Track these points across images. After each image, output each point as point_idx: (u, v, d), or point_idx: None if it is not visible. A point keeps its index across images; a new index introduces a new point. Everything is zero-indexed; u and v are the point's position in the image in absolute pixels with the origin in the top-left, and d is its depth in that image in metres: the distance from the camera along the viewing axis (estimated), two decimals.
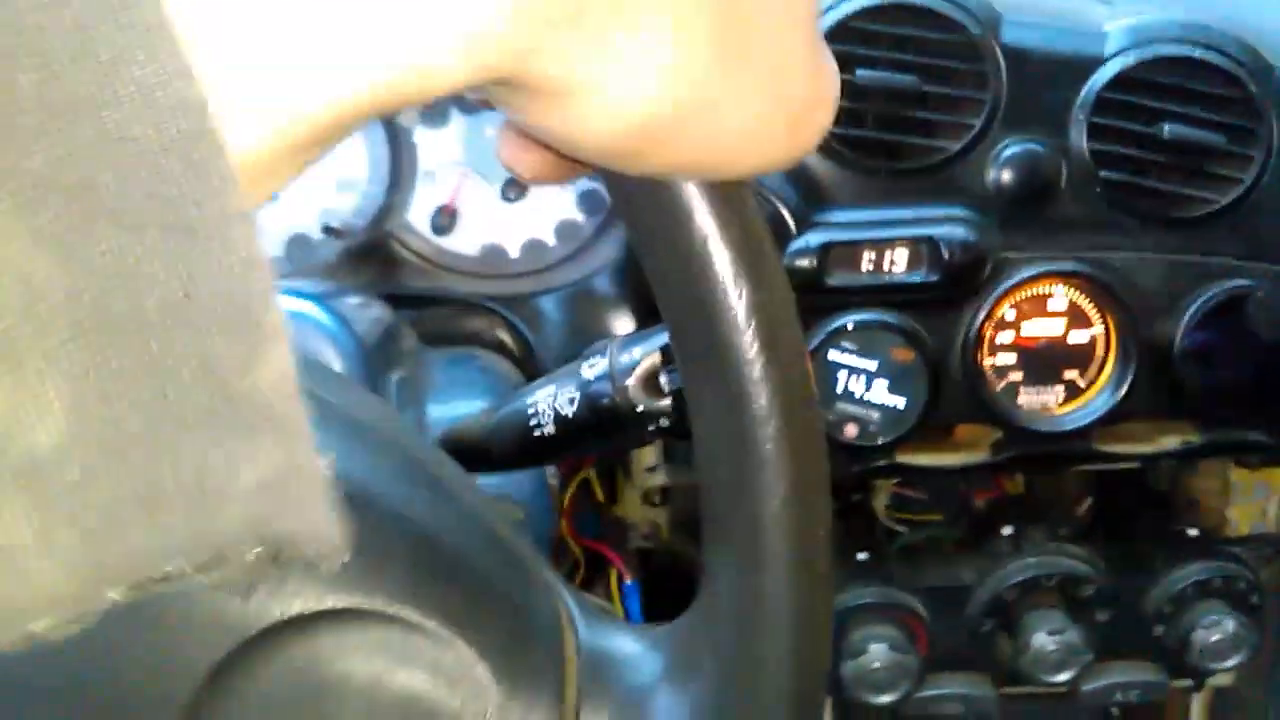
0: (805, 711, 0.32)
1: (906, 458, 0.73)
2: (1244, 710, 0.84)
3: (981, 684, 0.77)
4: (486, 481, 0.61)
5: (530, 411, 0.55)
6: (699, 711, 0.33)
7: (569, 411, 0.54)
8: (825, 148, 0.69)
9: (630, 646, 0.36)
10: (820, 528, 0.32)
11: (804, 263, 0.68)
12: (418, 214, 0.77)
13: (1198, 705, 0.84)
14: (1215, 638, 0.73)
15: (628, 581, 0.81)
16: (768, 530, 0.31)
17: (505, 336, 0.73)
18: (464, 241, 0.77)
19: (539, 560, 0.38)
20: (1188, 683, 0.81)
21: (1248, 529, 0.79)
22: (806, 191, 0.69)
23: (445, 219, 0.76)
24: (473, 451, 0.57)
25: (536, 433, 0.54)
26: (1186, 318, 0.68)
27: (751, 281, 0.30)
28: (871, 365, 0.69)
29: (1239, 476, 0.79)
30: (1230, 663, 0.73)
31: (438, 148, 0.77)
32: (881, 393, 0.70)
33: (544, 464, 0.69)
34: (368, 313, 0.67)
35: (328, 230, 0.75)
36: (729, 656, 0.32)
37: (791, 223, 0.68)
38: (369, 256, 0.76)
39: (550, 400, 0.54)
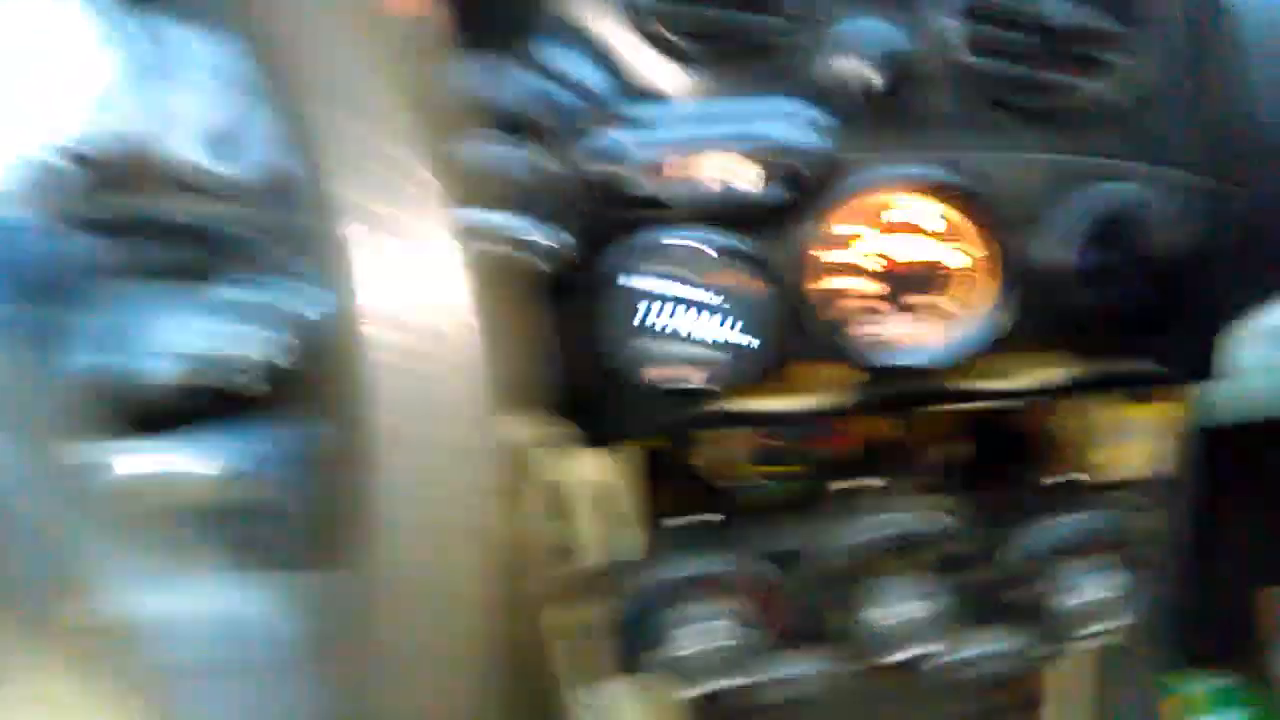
0: None
1: (739, 403, 0.61)
2: (1120, 672, 0.76)
3: (823, 662, 0.67)
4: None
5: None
6: None
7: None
8: (637, 26, 0.56)
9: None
10: None
11: (609, 168, 0.55)
12: (182, 132, 0.61)
13: (1069, 670, 0.75)
14: (1091, 597, 0.64)
15: None
16: None
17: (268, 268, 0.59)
18: (241, 164, 0.61)
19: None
20: (1057, 648, 0.73)
21: (1129, 471, 0.70)
22: (612, 80, 0.56)
23: (217, 138, 0.61)
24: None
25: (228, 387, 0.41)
26: (1065, 230, 0.58)
27: None
28: (695, 295, 0.57)
29: (1111, 414, 0.69)
30: (1109, 625, 0.65)
31: (205, 50, 0.61)
32: (708, 328, 0.57)
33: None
34: (50, 243, 0.52)
35: (69, 155, 0.59)
36: None
37: (594, 118, 0.55)
38: (116, 181, 0.61)
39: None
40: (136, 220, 0.59)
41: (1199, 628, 0.79)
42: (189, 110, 0.61)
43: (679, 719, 0.72)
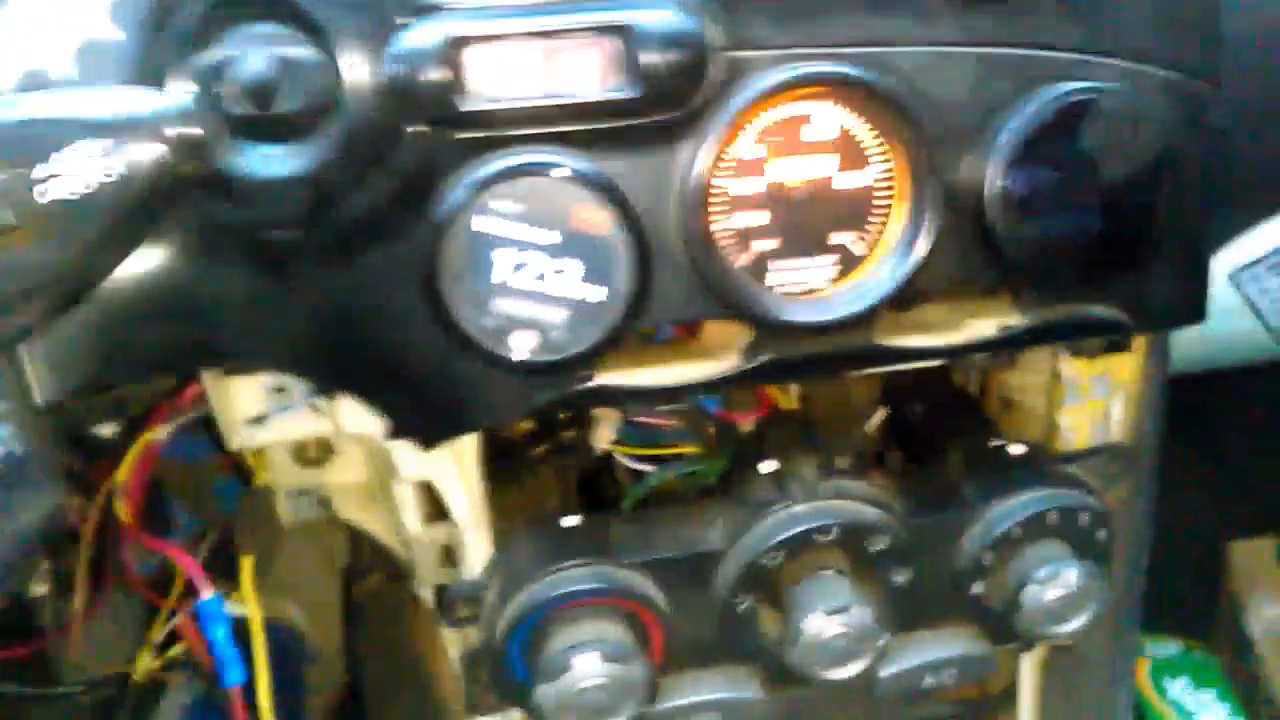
0: None
1: (617, 376, 0.49)
2: (1083, 667, 0.65)
3: (743, 682, 0.55)
4: None
5: None
6: None
7: None
8: None
9: None
10: None
11: (423, 72, 0.41)
12: None
13: (1028, 667, 0.65)
14: (1053, 593, 0.53)
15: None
16: None
17: None
18: None
19: None
20: (1014, 647, 0.62)
21: (1086, 440, 0.59)
22: None
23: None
24: None
25: None
26: (1005, 141, 0.46)
27: None
28: (546, 238, 0.44)
29: (1072, 369, 0.58)
30: (1075, 624, 0.54)
31: None
32: (566, 281, 0.45)
33: None
34: None
35: None
36: None
37: (397, 6, 0.42)
38: None
39: None
40: None
41: (1161, 589, 0.69)
42: None
43: None
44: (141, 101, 0.38)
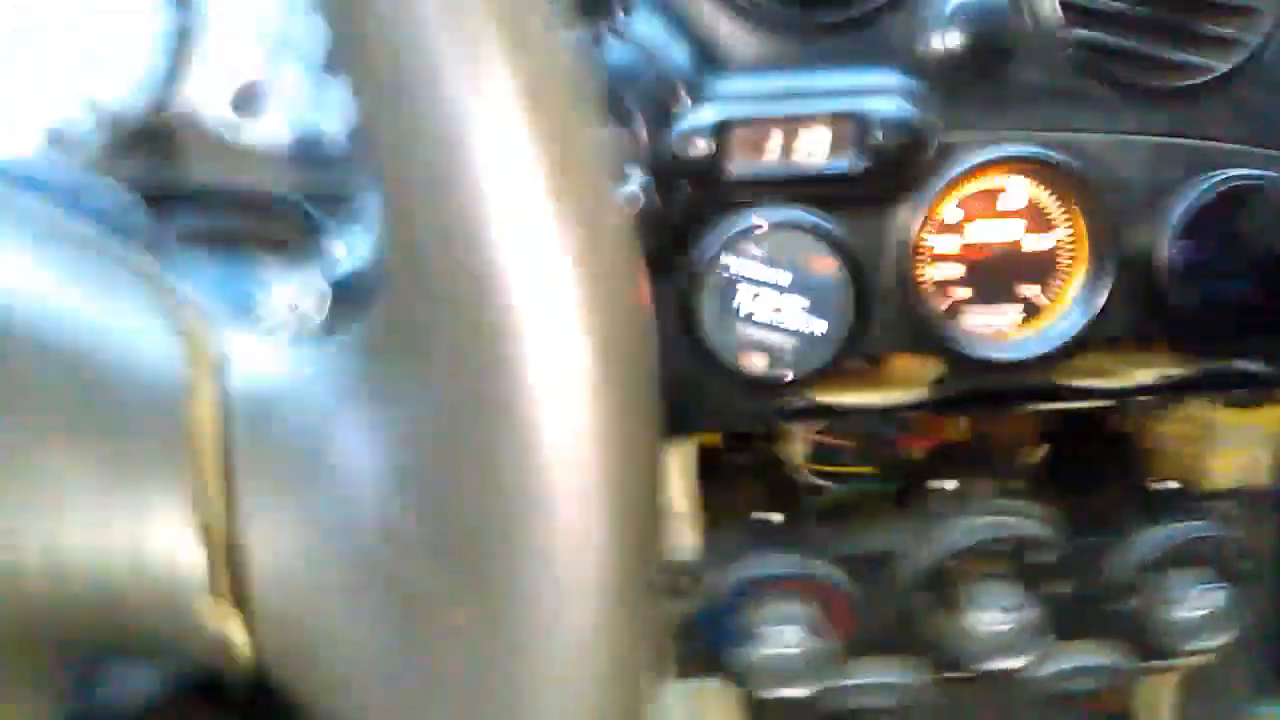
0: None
1: (827, 396, 0.58)
2: (1219, 695, 0.71)
3: (914, 669, 0.64)
4: None
5: None
6: (397, 434, 0.23)
7: None
8: None
9: (298, 370, 0.25)
10: None
11: (698, 146, 0.52)
12: (211, 92, 0.60)
13: (1167, 688, 0.71)
14: (1194, 612, 0.60)
15: None
16: None
17: (311, 242, 0.57)
18: (271, 125, 0.60)
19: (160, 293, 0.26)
20: (1156, 664, 0.69)
21: (1233, 481, 0.66)
22: (701, 52, 0.54)
23: (247, 97, 0.60)
24: None
25: None
26: (1174, 217, 0.54)
27: None
28: (783, 279, 0.55)
29: (1223, 418, 0.65)
30: (1213, 642, 0.60)
31: (235, 8, 0.60)
32: (796, 314, 0.55)
33: None
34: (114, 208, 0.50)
35: (95, 113, 0.58)
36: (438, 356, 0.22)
37: (683, 94, 0.53)
38: (147, 144, 0.59)
39: None
40: (170, 188, 0.58)
41: None
42: (218, 70, 0.60)
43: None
44: None
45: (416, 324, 0.23)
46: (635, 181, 0.49)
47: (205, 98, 0.61)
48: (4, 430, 0.23)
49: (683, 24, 0.54)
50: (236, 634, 0.23)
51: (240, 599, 0.23)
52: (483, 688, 0.22)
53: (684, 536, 0.64)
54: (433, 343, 0.22)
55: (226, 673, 0.24)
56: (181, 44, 0.60)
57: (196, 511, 0.23)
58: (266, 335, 0.26)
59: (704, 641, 0.63)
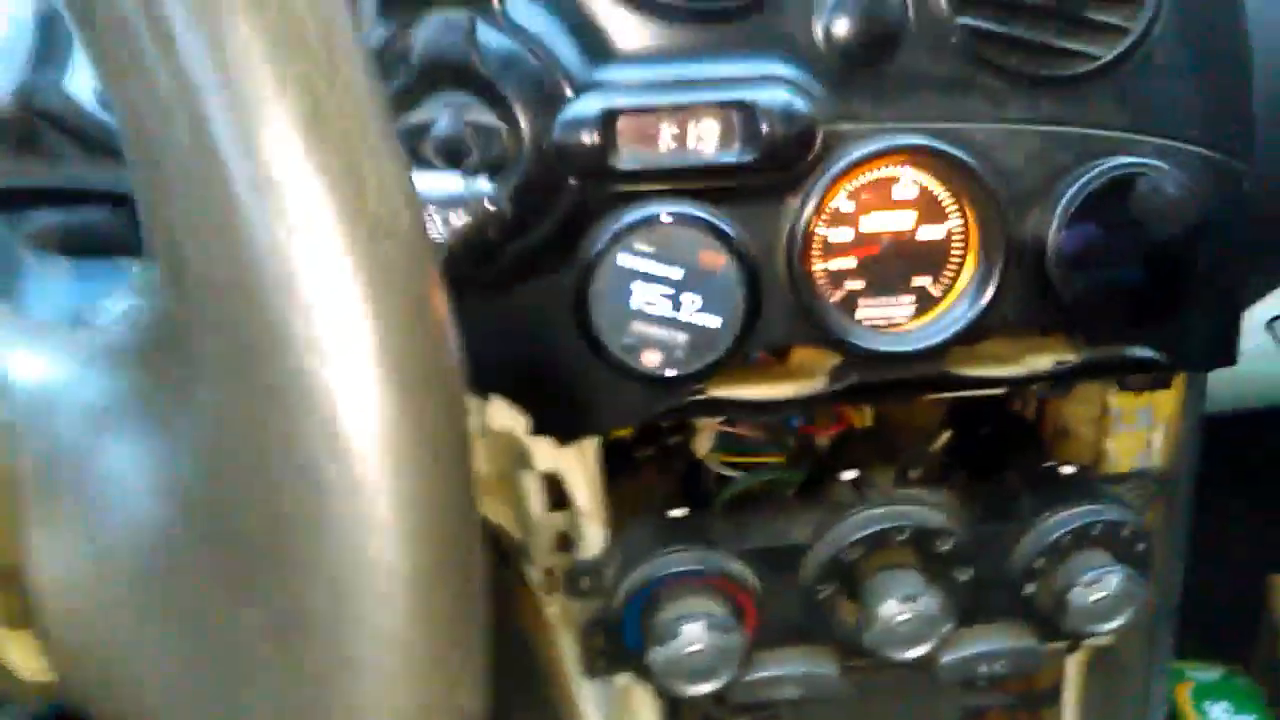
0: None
1: (725, 390, 0.58)
2: (1123, 670, 0.72)
3: (822, 660, 0.64)
4: None
5: None
6: (166, 446, 0.21)
7: None
8: None
9: (75, 381, 0.23)
10: None
11: (584, 137, 0.51)
12: (79, 87, 0.57)
13: (1073, 666, 0.72)
14: (1096, 595, 0.60)
15: None
16: None
17: None
18: None
19: None
20: (1061, 646, 0.69)
21: (1129, 464, 0.67)
22: (586, 41, 0.53)
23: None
24: None
25: None
26: (1063, 205, 0.54)
27: None
28: (675, 274, 0.54)
29: (1118, 401, 0.66)
30: (1115, 623, 0.61)
31: None
32: (689, 309, 0.54)
33: None
34: None
35: None
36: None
37: (566, 84, 0.52)
38: (13, 138, 0.57)
39: None
40: (34, 184, 0.55)
41: (1206, 617, 0.76)
42: (86, 64, 0.57)
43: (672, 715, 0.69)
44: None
45: (179, 330, 0.21)
46: (488, 185, 0.47)
47: (73, 92, 0.58)
48: None
49: (565, 10, 0.53)
50: (30, 659, 0.22)
51: (30, 622, 0.22)
52: (269, 701, 0.21)
53: (591, 534, 0.63)
54: (196, 349, 0.21)
55: (22, 699, 0.23)
56: (49, 35, 0.57)
57: None
58: (69, 342, 0.24)
59: (613, 640, 0.62)
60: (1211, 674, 1.13)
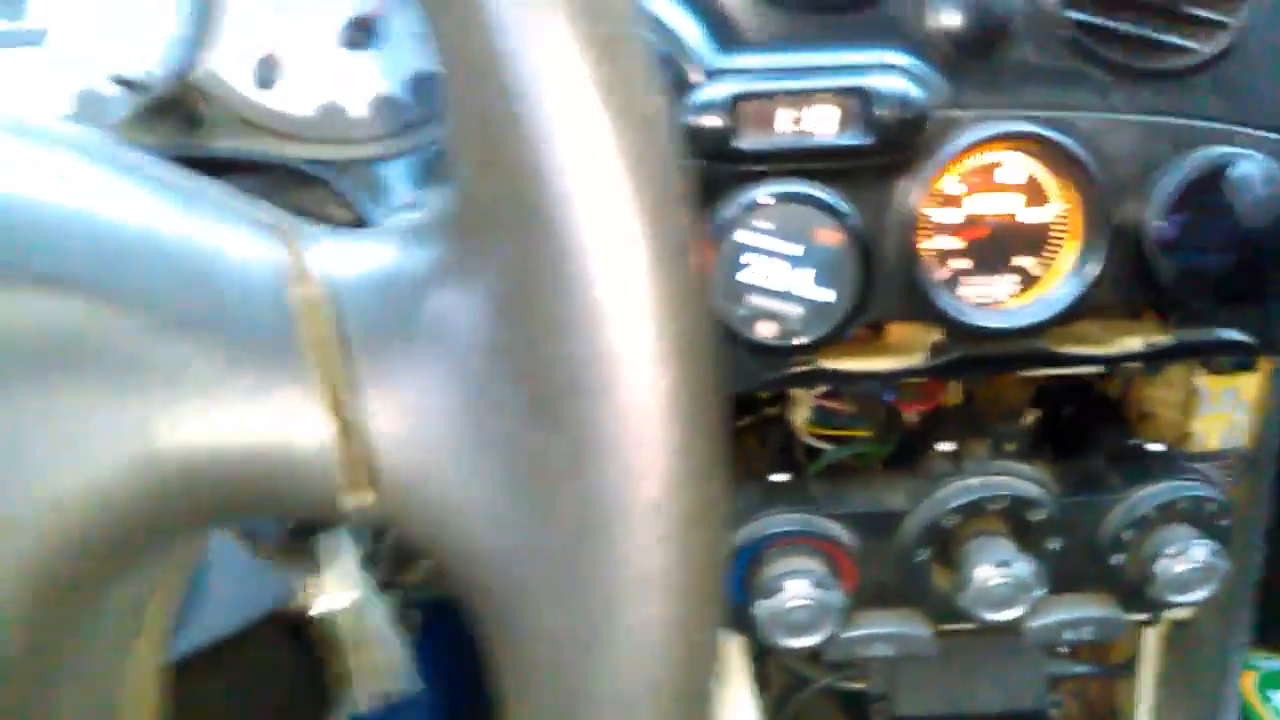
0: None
1: (831, 362, 0.61)
2: (1200, 645, 0.75)
3: (915, 621, 0.67)
4: None
5: None
6: (483, 306, 0.26)
7: None
8: None
9: (383, 255, 0.28)
10: None
11: (710, 120, 0.55)
12: (233, 63, 0.62)
13: (1151, 640, 0.75)
14: (1181, 567, 0.63)
15: None
16: None
17: (336, 212, 0.59)
18: (292, 97, 0.62)
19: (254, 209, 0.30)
20: (1144, 617, 0.72)
21: (1215, 443, 0.69)
22: (713, 30, 0.56)
23: (268, 69, 0.62)
24: None
25: None
26: (1161, 193, 0.57)
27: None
28: (792, 249, 0.57)
29: (1205, 383, 0.69)
30: (1197, 595, 0.64)
31: None
32: (804, 283, 0.58)
33: None
34: None
35: (121, 83, 0.60)
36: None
37: (693, 70, 0.56)
38: (171, 114, 0.61)
39: None
40: (193, 157, 0.60)
41: (1273, 606, 0.78)
42: (240, 42, 0.61)
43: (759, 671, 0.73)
44: None
45: (482, 204, 0.26)
46: None
47: (227, 69, 0.63)
48: (123, 329, 0.25)
49: (695, 1, 0.56)
50: (366, 500, 0.26)
51: (368, 470, 0.26)
52: (577, 524, 0.25)
53: None
54: (494, 217, 0.25)
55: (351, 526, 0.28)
56: (204, 14, 0.62)
57: (324, 388, 0.26)
58: (383, 231, 0.29)
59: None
60: (1276, 664, 1.14)
